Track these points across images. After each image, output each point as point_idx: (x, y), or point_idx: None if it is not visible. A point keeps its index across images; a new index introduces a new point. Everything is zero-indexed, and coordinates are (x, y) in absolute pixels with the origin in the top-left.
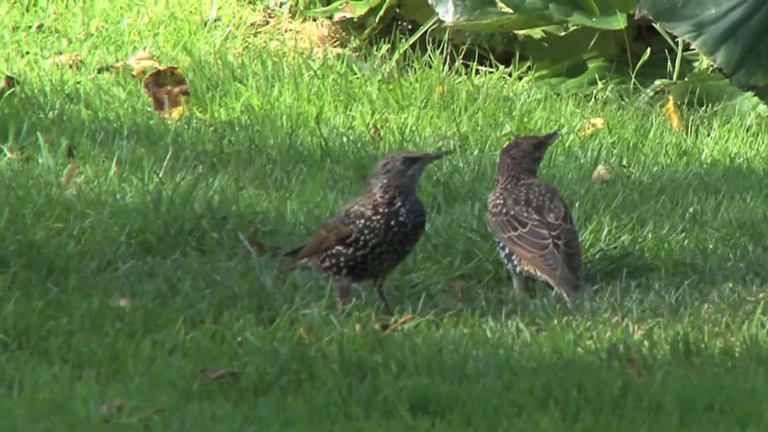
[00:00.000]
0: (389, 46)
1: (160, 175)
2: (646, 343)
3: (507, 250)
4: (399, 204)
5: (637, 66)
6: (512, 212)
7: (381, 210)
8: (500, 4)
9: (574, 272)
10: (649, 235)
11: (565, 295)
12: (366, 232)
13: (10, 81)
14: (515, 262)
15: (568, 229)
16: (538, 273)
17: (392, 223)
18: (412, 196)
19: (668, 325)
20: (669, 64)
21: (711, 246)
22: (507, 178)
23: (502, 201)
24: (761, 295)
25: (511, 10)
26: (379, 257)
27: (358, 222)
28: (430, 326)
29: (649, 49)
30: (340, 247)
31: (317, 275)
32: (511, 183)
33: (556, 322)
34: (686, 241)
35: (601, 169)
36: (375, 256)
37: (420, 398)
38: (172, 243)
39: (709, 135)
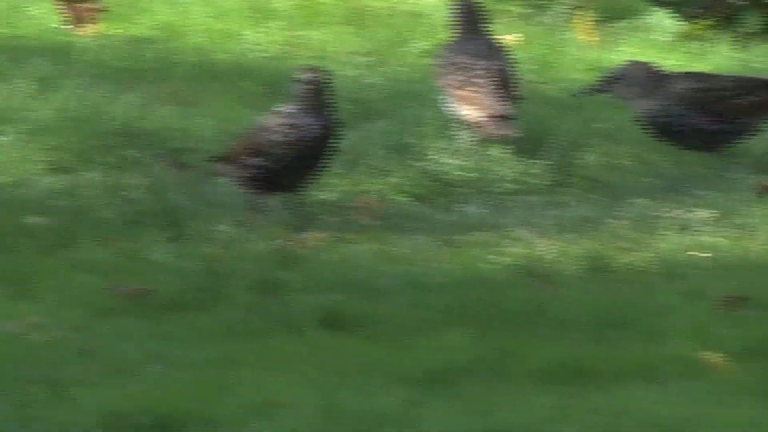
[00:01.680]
0: None
1: (76, 92)
2: (557, 259)
3: None
4: (309, 117)
5: None
6: None
7: (291, 123)
8: None
9: None
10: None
11: None
12: (275, 144)
13: None
14: None
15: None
16: None
17: (303, 136)
18: (324, 110)
19: (579, 241)
20: None
21: (621, 162)
22: None
23: None
24: (673, 213)
25: None
26: (291, 170)
27: (268, 135)
28: (342, 243)
29: None
30: (253, 159)
31: (232, 188)
32: None
33: (465, 238)
34: (596, 157)
35: None
36: (288, 170)
37: (330, 315)
38: (86, 160)
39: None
